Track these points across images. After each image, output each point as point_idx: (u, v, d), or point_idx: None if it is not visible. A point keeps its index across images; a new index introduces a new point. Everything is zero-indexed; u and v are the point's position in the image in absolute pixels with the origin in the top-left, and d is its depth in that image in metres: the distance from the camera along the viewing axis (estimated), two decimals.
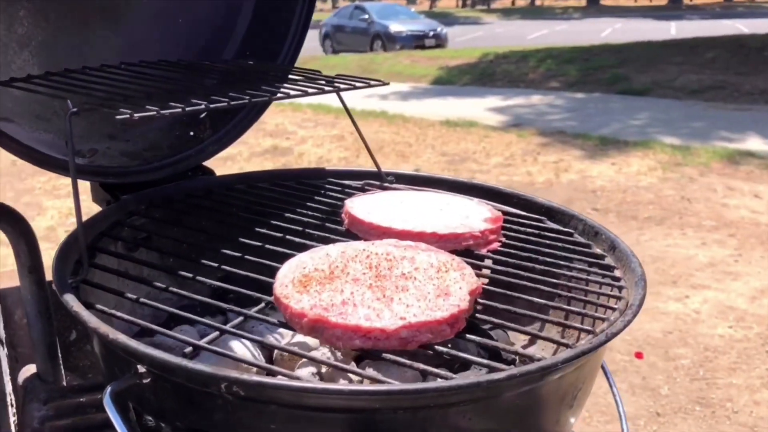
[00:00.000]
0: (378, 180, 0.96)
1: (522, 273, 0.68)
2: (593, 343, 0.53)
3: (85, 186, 0.94)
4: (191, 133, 0.97)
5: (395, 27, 17.70)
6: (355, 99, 9.86)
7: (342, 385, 0.48)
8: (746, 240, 4.58)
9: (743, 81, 9.78)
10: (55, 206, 4.85)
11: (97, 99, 0.69)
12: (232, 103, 0.74)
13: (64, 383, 0.92)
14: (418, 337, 0.54)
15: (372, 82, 0.88)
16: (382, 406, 0.48)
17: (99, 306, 0.58)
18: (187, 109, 0.67)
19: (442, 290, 0.58)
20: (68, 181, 0.66)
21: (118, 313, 0.57)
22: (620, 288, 0.66)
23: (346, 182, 0.96)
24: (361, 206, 0.79)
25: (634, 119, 8.20)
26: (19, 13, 0.88)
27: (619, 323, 0.56)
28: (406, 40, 17.20)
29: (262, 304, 0.60)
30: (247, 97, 0.77)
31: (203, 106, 0.72)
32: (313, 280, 0.59)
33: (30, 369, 0.92)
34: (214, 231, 0.76)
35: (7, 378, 0.89)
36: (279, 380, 0.48)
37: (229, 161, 6.49)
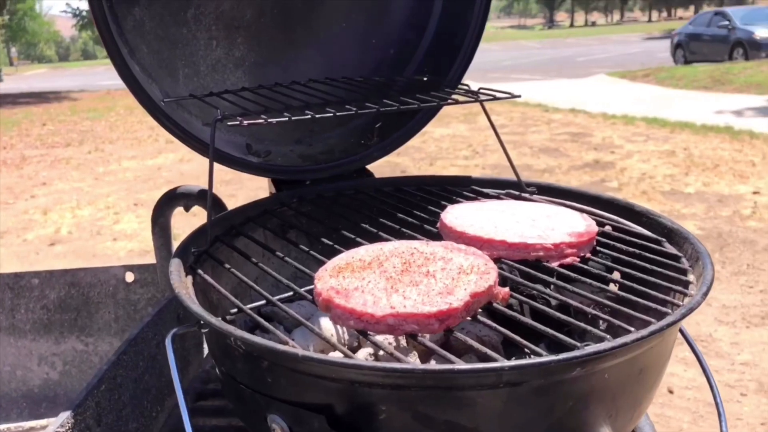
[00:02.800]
0: (518, 190, 0.98)
1: (557, 295, 0.67)
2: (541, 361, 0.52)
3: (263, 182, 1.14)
4: (362, 141, 1.11)
5: (762, 32, 15.70)
6: (699, 112, 9.07)
7: (297, 350, 0.55)
8: None
9: None
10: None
11: (241, 109, 0.86)
12: (360, 111, 0.85)
13: None
14: (403, 326, 0.59)
15: (498, 95, 0.92)
16: (342, 378, 0.56)
17: (200, 271, 0.75)
18: (317, 115, 0.80)
19: (447, 289, 0.62)
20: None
21: (208, 277, 0.73)
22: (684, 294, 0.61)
23: (486, 190, 1.00)
24: (455, 211, 0.84)
25: None
26: (237, 39, 1.10)
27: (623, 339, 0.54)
28: None
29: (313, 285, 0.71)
30: (396, 105, 0.88)
31: (309, 116, 0.85)
32: (350, 267, 0.68)
33: None
34: (331, 224, 0.88)
35: None
36: (264, 341, 0.58)
37: (546, 173, 6.54)
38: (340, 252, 0.77)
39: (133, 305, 1.23)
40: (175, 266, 0.74)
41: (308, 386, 0.58)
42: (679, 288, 0.68)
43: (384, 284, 0.64)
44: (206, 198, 1.08)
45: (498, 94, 0.92)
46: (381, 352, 0.74)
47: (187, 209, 1.09)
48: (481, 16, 1.08)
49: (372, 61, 1.17)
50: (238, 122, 0.77)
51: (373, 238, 0.82)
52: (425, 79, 1.09)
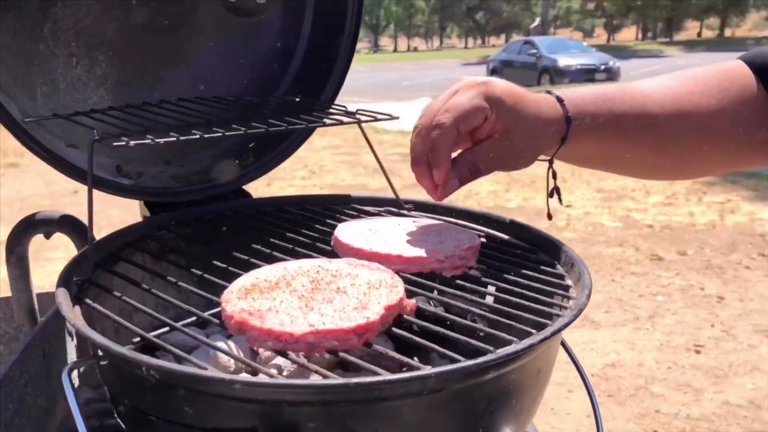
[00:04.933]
0: (396, 207, 1.02)
1: (465, 297, 0.71)
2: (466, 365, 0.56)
3: (134, 204, 1.09)
4: (236, 161, 1.09)
5: (564, 61, 17.39)
6: None
7: (217, 374, 0.55)
8: None
9: None
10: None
11: (118, 129, 0.82)
12: (227, 134, 0.84)
13: None
14: (323, 343, 0.60)
15: (380, 116, 0.95)
16: (264, 398, 0.55)
17: (88, 300, 0.70)
18: (206, 135, 0.78)
19: (362, 304, 0.64)
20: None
21: (99, 307, 0.69)
22: (557, 315, 0.67)
23: (367, 208, 1.03)
24: (347, 229, 0.86)
25: None
26: (99, 57, 1.05)
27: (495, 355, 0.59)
28: (575, 75, 16.83)
29: (218, 308, 0.69)
30: (264, 127, 0.88)
31: (220, 134, 0.83)
32: (257, 289, 0.67)
33: None
34: (219, 247, 0.86)
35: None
36: (188, 369, 0.56)
37: (381, 191, 6.73)
38: (234, 274, 0.76)
39: None
40: (63, 296, 0.69)
41: (233, 411, 0.57)
42: (561, 292, 0.74)
43: (297, 303, 0.64)
44: (68, 224, 1.01)
45: (378, 116, 0.95)
46: (285, 372, 0.74)
47: (47, 236, 1.01)
48: (351, 37, 1.11)
49: (242, 80, 1.16)
50: (123, 143, 0.73)
51: (268, 259, 0.81)
52: (297, 99, 1.10)
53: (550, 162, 0.85)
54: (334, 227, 0.93)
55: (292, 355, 0.60)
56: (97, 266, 0.80)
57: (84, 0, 1.02)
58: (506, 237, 0.93)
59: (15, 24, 0.96)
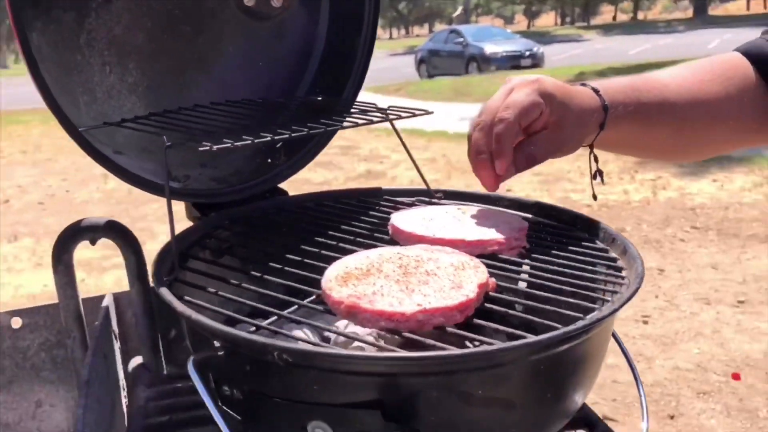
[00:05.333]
0: (427, 197, 1.09)
1: (537, 274, 0.79)
2: (586, 320, 0.64)
3: (181, 206, 1.12)
4: (269, 160, 1.14)
5: (490, 48, 17.73)
6: (449, 122, 9.95)
7: (362, 351, 0.61)
8: None
9: None
10: (165, 230, 5.29)
11: (186, 135, 0.86)
12: (293, 135, 0.90)
13: (165, 372, 1.10)
14: (431, 320, 0.67)
15: (417, 112, 1.02)
16: (394, 371, 0.62)
17: (187, 297, 0.75)
18: (256, 141, 0.83)
19: (456, 284, 0.71)
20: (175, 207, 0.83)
21: (204, 303, 0.73)
22: (621, 284, 0.76)
23: (399, 199, 1.09)
24: (403, 218, 0.93)
25: None
26: (130, 65, 1.08)
27: (607, 310, 0.67)
28: (502, 62, 17.20)
29: (314, 296, 0.75)
30: (306, 129, 0.93)
31: (269, 138, 0.88)
32: (352, 276, 0.73)
33: (137, 360, 1.11)
34: (282, 242, 0.91)
35: (120, 366, 1.08)
36: (316, 348, 0.62)
37: (325, 185, 6.77)
38: (310, 266, 0.82)
39: (21, 353, 1.12)
40: (167, 295, 0.73)
41: (360, 386, 0.63)
42: (611, 263, 0.83)
43: (396, 287, 0.71)
44: (114, 230, 1.04)
45: (414, 111, 1.02)
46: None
47: (93, 243, 1.03)
48: (369, 35, 1.17)
49: (263, 82, 1.21)
50: (208, 147, 0.78)
51: (336, 250, 0.87)
52: (319, 99, 1.16)
53: (591, 147, 0.94)
54: (380, 218, 0.99)
55: (406, 333, 0.67)
56: (172, 266, 0.84)
57: (115, 10, 1.05)
58: (539, 218, 1.01)
59: (55, 36, 0.98)
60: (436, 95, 13.40)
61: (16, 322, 1.12)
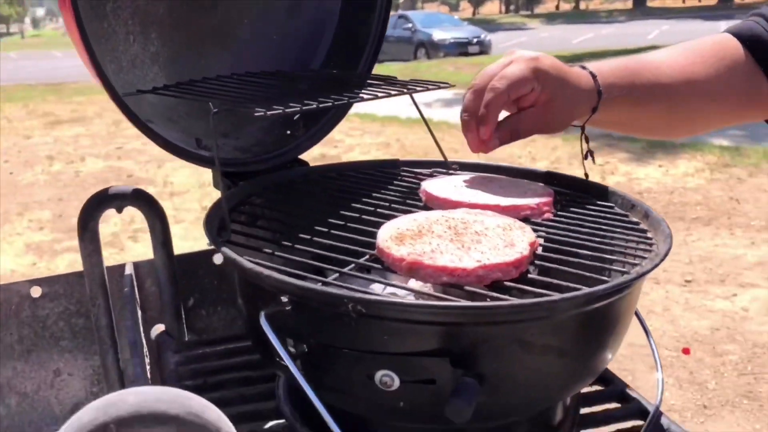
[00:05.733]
0: (444, 168, 1.14)
1: (571, 235, 0.85)
2: (632, 274, 0.70)
3: (207, 174, 1.14)
4: (288, 132, 1.17)
5: (439, 35, 17.83)
6: (400, 106, 10.01)
7: (433, 301, 0.65)
8: None
9: None
10: (112, 212, 5.23)
11: (230, 102, 0.88)
12: (320, 105, 0.92)
13: (186, 339, 1.12)
14: (490, 275, 0.72)
15: (441, 85, 1.06)
16: (466, 321, 0.66)
17: (246, 257, 0.77)
18: (303, 108, 0.86)
19: (508, 242, 0.76)
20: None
21: (261, 261, 0.76)
22: (651, 244, 0.82)
23: (417, 170, 1.14)
24: (435, 185, 0.97)
25: None
26: (152, 35, 1.08)
27: (649, 264, 0.73)
28: (450, 48, 17.31)
29: (367, 255, 0.79)
30: (331, 101, 0.96)
31: (300, 108, 0.91)
32: (407, 237, 0.77)
33: (159, 328, 1.13)
34: (318, 208, 0.95)
35: (141, 332, 1.09)
36: (391, 298, 0.66)
37: None
38: (353, 229, 0.85)
39: (41, 322, 1.12)
40: (230, 253, 0.76)
41: (430, 335, 0.67)
42: (637, 226, 0.90)
43: (452, 246, 0.75)
44: (141, 198, 1.05)
45: (440, 85, 1.06)
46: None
47: (119, 210, 1.04)
48: (384, 10, 1.21)
49: (279, 54, 1.23)
50: (262, 113, 0.80)
51: (375, 215, 0.91)
52: (335, 72, 1.19)
53: (582, 128, 0.99)
54: (408, 187, 1.03)
55: (468, 287, 0.71)
56: (220, 229, 0.86)
57: None
58: (557, 188, 1.07)
59: (84, 3, 0.98)
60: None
61: (36, 291, 1.12)
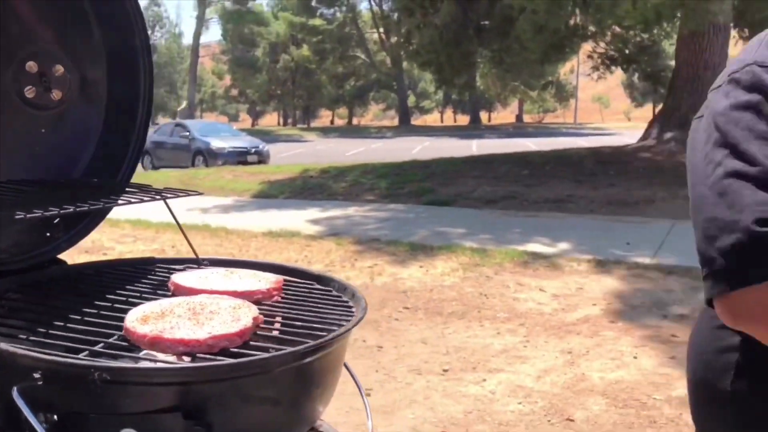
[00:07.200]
0: (196, 264, 1.31)
1: (291, 311, 1.05)
2: (330, 335, 0.92)
3: None
4: (48, 234, 1.26)
5: (217, 143, 18.10)
6: (177, 213, 9.92)
7: (166, 365, 0.80)
8: (533, 328, 5.25)
9: (530, 191, 11.05)
10: None
11: None
12: (77, 209, 1.06)
13: None
14: (219, 344, 0.89)
15: (191, 192, 1.25)
16: (193, 379, 0.83)
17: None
18: (62, 212, 0.99)
19: (235, 318, 0.94)
20: None
21: (16, 345, 0.87)
22: (352, 314, 1.05)
23: (171, 266, 1.29)
24: (182, 277, 1.14)
25: (439, 227, 8.99)
26: None
27: (343, 329, 0.95)
28: (229, 156, 17.60)
29: (116, 336, 0.92)
30: (87, 206, 1.10)
31: (57, 212, 1.03)
32: (150, 318, 0.93)
33: None
34: (73, 300, 1.06)
35: None
36: (131, 365, 0.80)
37: None
38: (104, 315, 0.98)
39: None
40: None
41: (165, 394, 0.82)
42: (346, 302, 1.13)
43: (189, 323, 0.92)
44: None
45: (179, 193, 1.24)
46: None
47: None
48: (143, 122, 1.37)
49: (42, 164, 1.33)
50: (22, 215, 0.92)
51: (126, 304, 1.04)
52: (96, 181, 1.32)
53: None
54: (159, 280, 1.18)
55: (200, 355, 0.88)
56: None
57: None
58: (289, 277, 1.29)
59: None
60: (165, 186, 13.22)
61: None
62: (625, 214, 9.44)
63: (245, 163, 16.93)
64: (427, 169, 13.43)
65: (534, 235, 8.31)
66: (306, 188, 12.50)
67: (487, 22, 11.72)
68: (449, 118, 62.86)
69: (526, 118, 56.25)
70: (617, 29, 13.18)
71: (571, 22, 10.66)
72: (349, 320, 1.01)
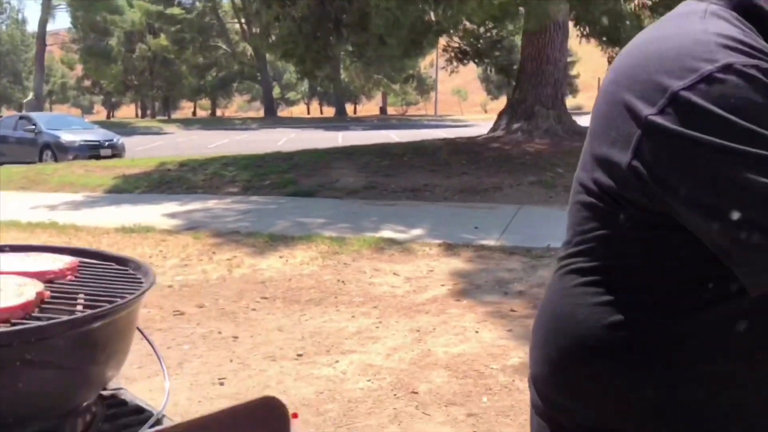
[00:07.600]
0: None
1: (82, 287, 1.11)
2: (111, 306, 0.99)
3: None
4: None
5: (67, 137, 17.13)
6: (21, 211, 9.38)
7: None
8: (386, 310, 5.45)
9: (390, 181, 11.36)
10: None
11: None
12: None
13: None
14: (3, 316, 0.94)
15: None
16: None
17: None
18: None
19: (19, 294, 0.99)
20: None
21: None
22: (143, 289, 1.13)
23: None
24: None
25: (300, 218, 9.07)
26: None
27: (130, 297, 1.03)
28: (80, 150, 16.72)
29: None
30: None
31: None
32: None
33: None
34: None
35: None
36: None
37: None
38: None
39: None
40: None
41: None
42: (136, 276, 1.20)
43: None
44: None
45: None
46: None
47: None
48: None
49: None
50: None
51: None
52: None
53: None
54: None
55: None
56: None
57: None
58: (92, 260, 1.33)
59: None
60: (7, 183, 12.39)
61: None
62: (476, 200, 9.97)
63: (98, 157, 16.15)
64: (290, 161, 13.42)
65: (391, 222, 8.59)
66: (163, 182, 12.15)
67: (344, 16, 11.90)
68: (315, 109, 62.90)
69: (390, 111, 57.34)
70: (468, 25, 13.81)
71: (426, 17, 11.06)
72: (134, 294, 1.09)
